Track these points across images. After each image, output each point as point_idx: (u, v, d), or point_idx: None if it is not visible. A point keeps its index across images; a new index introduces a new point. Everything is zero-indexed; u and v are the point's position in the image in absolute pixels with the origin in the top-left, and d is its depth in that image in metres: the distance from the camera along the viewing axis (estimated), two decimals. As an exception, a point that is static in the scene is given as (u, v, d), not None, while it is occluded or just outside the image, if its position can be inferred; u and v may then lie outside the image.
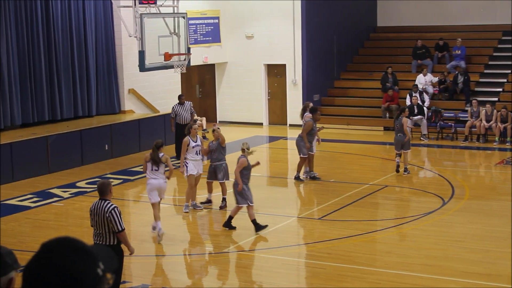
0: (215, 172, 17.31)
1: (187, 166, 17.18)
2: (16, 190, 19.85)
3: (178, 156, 23.28)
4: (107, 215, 10.90)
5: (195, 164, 17.25)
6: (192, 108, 23.64)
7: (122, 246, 11.37)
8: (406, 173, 20.75)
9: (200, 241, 15.56)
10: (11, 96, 22.93)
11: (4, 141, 21.25)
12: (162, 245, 15.03)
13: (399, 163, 20.85)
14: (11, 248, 3.41)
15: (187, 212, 17.37)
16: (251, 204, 15.56)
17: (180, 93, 27.97)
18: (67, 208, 18.40)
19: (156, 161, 15.29)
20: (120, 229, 11.04)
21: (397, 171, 20.84)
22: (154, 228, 15.47)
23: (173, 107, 23.65)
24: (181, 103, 23.47)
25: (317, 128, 20.35)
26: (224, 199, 17.61)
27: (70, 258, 2.81)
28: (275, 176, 21.47)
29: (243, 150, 15.86)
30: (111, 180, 21.02)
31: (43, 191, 19.93)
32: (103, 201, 11.02)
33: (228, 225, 15.77)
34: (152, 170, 15.38)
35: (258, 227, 15.57)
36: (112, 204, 10.99)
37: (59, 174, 21.94)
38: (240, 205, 15.61)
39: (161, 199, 15.67)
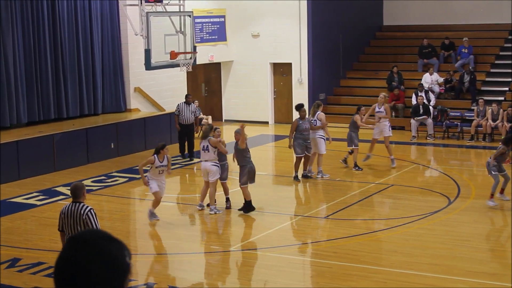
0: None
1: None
2: (22, 188, 19.87)
3: (183, 155, 23.36)
4: (84, 217, 10.70)
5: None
6: (197, 111, 23.69)
7: None
8: (355, 169, 21.33)
9: (206, 239, 15.54)
10: (17, 94, 22.95)
11: (10, 139, 21.28)
12: (168, 244, 15.04)
13: (346, 158, 21.71)
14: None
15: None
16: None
17: (186, 91, 28.01)
18: (73, 206, 18.37)
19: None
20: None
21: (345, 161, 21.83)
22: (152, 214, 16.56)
23: (178, 104, 23.70)
24: (187, 102, 23.45)
25: (305, 126, 20.00)
26: (228, 199, 17.56)
27: (107, 247, 2.88)
28: (281, 175, 21.44)
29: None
30: (117, 178, 21.10)
31: (49, 189, 19.95)
32: (77, 204, 10.85)
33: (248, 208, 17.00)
34: (158, 174, 16.25)
35: (249, 208, 16.99)
36: (87, 206, 10.87)
37: (65, 172, 21.96)
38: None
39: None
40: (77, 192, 10.99)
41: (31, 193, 19.44)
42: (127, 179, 21.26)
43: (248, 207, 16.98)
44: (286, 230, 16.16)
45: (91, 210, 10.78)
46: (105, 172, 22.06)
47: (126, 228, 17.03)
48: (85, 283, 2.82)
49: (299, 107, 20.51)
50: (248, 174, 16.99)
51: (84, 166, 22.80)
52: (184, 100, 23.61)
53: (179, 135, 23.63)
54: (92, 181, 20.88)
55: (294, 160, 20.53)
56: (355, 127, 21.35)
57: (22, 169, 21.04)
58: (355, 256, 13.97)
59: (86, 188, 19.74)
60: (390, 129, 21.99)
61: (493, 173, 17.41)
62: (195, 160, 22.74)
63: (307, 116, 20.37)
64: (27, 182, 20.65)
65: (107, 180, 21.08)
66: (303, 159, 20.32)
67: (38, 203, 18.58)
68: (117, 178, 21.30)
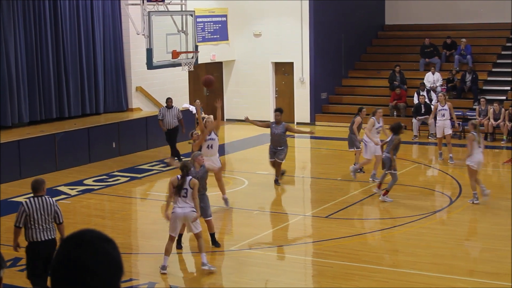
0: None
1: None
2: (23, 187, 19.83)
3: (178, 158, 22.75)
4: (55, 208, 11.34)
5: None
6: (179, 114, 22.98)
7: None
8: (359, 172, 20.64)
9: (208, 239, 15.52)
10: (19, 94, 22.95)
11: (12, 138, 21.30)
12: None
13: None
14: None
15: None
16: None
17: (188, 91, 28.02)
18: (75, 206, 18.42)
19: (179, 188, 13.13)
20: (62, 220, 11.49)
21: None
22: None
23: (160, 109, 23.52)
24: (168, 106, 22.97)
25: (276, 131, 19.27)
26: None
27: (104, 246, 2.91)
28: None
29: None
30: (119, 177, 21.10)
31: (50, 189, 19.88)
32: (43, 197, 11.33)
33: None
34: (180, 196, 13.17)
35: (178, 244, 14.54)
36: (52, 198, 11.51)
37: (67, 172, 21.98)
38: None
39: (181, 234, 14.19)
40: (38, 186, 11.43)
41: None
42: (128, 178, 21.27)
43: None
44: (287, 230, 16.16)
45: (55, 202, 11.51)
46: (106, 171, 22.07)
47: (128, 227, 17.03)
48: (83, 282, 2.83)
49: (275, 110, 19.96)
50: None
51: (85, 165, 22.81)
52: (165, 104, 23.23)
53: (166, 140, 23.07)
54: (94, 181, 20.89)
55: None
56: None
57: (24, 169, 21.04)
58: (356, 255, 13.97)
59: (88, 187, 19.89)
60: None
61: (393, 171, 17.84)
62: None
63: (283, 122, 19.57)
64: (29, 181, 20.46)
65: (108, 180, 21.09)
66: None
67: (40, 202, 18.55)
68: (118, 178, 21.31)
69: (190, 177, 13.17)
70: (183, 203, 13.03)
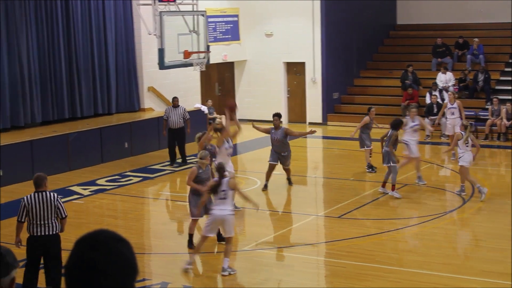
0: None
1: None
2: (36, 187, 19.91)
3: (172, 161, 22.60)
4: (56, 203, 11.46)
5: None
6: (186, 114, 22.71)
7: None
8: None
9: (220, 239, 15.52)
10: (31, 94, 23.02)
11: (24, 138, 21.38)
12: (182, 243, 15.05)
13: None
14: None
15: None
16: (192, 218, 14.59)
17: (199, 91, 28.05)
18: (87, 206, 18.47)
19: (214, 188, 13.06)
20: (66, 215, 11.60)
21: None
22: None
23: (165, 109, 23.37)
24: (174, 106, 22.76)
25: (275, 137, 18.86)
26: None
27: (118, 247, 2.91)
28: (295, 174, 21.37)
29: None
30: (131, 177, 21.14)
31: (63, 189, 20.00)
32: (43, 193, 11.47)
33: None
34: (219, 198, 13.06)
35: (190, 243, 14.61)
36: (54, 193, 11.64)
37: (79, 172, 22.03)
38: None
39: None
40: (40, 182, 11.55)
41: (46, 192, 19.45)
42: (141, 178, 21.30)
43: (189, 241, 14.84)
44: (300, 230, 16.15)
45: (59, 196, 11.65)
46: (119, 171, 22.11)
47: (140, 228, 17.07)
48: (97, 284, 2.83)
49: (274, 115, 19.26)
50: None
51: (98, 165, 22.85)
52: (172, 104, 23.11)
53: (168, 140, 22.79)
54: (106, 181, 20.94)
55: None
56: (365, 128, 21.14)
57: (37, 169, 20.98)
58: (369, 255, 13.96)
59: (101, 187, 19.93)
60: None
61: (392, 164, 18.13)
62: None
63: (282, 126, 19.21)
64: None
65: (121, 180, 21.13)
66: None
67: (53, 202, 18.60)
68: (131, 178, 21.35)
69: (228, 178, 13.16)
70: (222, 205, 12.94)
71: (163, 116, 23.11)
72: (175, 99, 23.07)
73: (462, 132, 18.00)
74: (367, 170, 21.08)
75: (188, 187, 14.82)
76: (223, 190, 12.90)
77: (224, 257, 13.15)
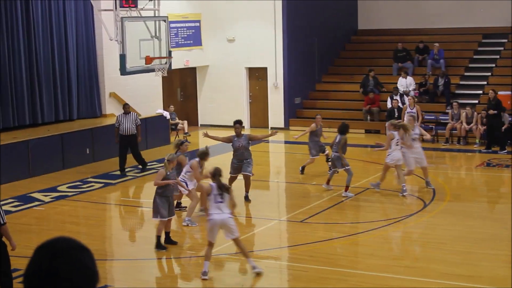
0: None
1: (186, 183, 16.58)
2: (-4, 194, 19.75)
3: (121, 170, 22.34)
4: None
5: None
6: (138, 120, 22.53)
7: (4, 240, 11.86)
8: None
9: (181, 245, 15.50)
10: (-8, 100, 22.81)
11: (-16, 145, 21.16)
12: (143, 249, 15.00)
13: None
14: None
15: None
16: (161, 219, 14.84)
17: (161, 96, 27.97)
18: (48, 212, 18.32)
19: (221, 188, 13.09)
20: (1, 222, 11.57)
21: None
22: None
23: (117, 116, 23.07)
24: (125, 112, 22.52)
25: (239, 144, 18.55)
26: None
27: (79, 256, 2.88)
28: (257, 179, 21.40)
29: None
30: (93, 184, 21.01)
31: (24, 195, 19.84)
32: None
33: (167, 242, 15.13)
34: (216, 202, 13.07)
35: (158, 245, 14.81)
36: None
37: (40, 178, 21.85)
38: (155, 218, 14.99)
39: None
40: None
41: (6, 199, 19.30)
42: (102, 184, 21.19)
43: (157, 243, 15.00)
44: (262, 234, 16.16)
45: None
46: (80, 177, 21.97)
47: (102, 234, 16.96)
48: None
49: (235, 123, 18.93)
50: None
51: (59, 171, 22.69)
52: (123, 111, 22.78)
53: (120, 148, 22.46)
54: (68, 187, 20.80)
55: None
56: (313, 135, 21.36)
57: (-3, 175, 20.89)
58: (331, 259, 14.01)
59: (62, 193, 19.79)
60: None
61: (346, 167, 18.94)
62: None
63: (244, 133, 19.02)
64: (2, 188, 20.45)
65: (82, 186, 21.01)
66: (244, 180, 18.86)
67: (13, 209, 18.47)
68: (92, 184, 21.23)
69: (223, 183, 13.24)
70: (219, 209, 12.98)
71: (114, 124, 22.81)
72: (126, 106, 22.86)
73: (394, 132, 18.81)
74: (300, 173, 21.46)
75: (153, 190, 14.97)
76: (220, 194, 12.95)
77: (247, 258, 13.20)
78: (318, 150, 21.27)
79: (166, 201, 14.83)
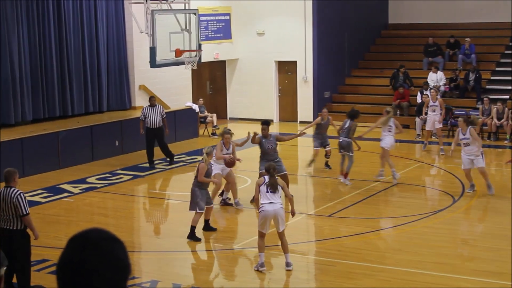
0: None
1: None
2: (26, 185, 19.84)
3: (150, 163, 22.35)
4: (14, 200, 11.52)
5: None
6: (163, 113, 22.40)
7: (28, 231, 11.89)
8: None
9: (209, 238, 15.52)
10: (22, 92, 22.95)
11: (15, 136, 21.31)
12: (172, 241, 15.05)
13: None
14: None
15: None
16: (199, 211, 15.05)
17: (191, 89, 28.05)
18: (77, 204, 18.44)
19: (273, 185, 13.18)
20: (24, 212, 11.60)
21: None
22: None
23: (142, 109, 22.94)
24: (151, 105, 22.38)
25: (269, 146, 17.91)
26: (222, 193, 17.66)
27: (111, 247, 2.89)
28: (327, 170, 21.39)
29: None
30: (122, 176, 21.10)
31: (53, 187, 19.97)
32: (9, 188, 11.64)
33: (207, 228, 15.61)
34: (267, 192, 13.16)
35: (192, 235, 15.03)
36: (18, 190, 11.68)
37: (70, 170, 21.97)
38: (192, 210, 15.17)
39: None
40: (9, 177, 11.76)
41: (36, 190, 19.46)
42: (131, 176, 21.27)
43: (191, 233, 15.26)
44: (291, 229, 16.12)
45: (21, 194, 11.65)
46: (109, 169, 22.07)
47: (130, 226, 17.04)
48: (90, 284, 2.81)
49: (262, 123, 18.29)
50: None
51: (88, 163, 22.80)
52: (149, 104, 22.66)
53: (147, 141, 22.36)
54: (97, 179, 20.90)
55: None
56: (318, 127, 21.43)
57: (27, 167, 21.03)
58: (359, 254, 13.96)
59: (91, 185, 19.90)
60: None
61: (350, 153, 19.38)
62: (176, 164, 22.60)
63: (272, 133, 18.56)
64: (32, 179, 20.65)
65: (111, 178, 21.10)
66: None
67: (43, 200, 18.60)
68: (121, 176, 21.31)
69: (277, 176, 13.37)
70: (272, 199, 13.08)
71: (139, 116, 22.71)
72: (152, 99, 22.75)
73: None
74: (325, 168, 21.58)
75: (181, 183, 15.05)
76: (272, 185, 13.11)
77: (285, 253, 13.19)
78: (320, 143, 21.23)
79: (206, 193, 15.18)
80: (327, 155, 21.50)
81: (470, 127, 18.33)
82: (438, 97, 24.98)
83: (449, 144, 22.04)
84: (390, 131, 19.75)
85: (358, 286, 12.49)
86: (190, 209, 15.13)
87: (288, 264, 13.16)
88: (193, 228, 15.00)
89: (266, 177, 13.19)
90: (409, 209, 17.36)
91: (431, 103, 24.39)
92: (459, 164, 21.19)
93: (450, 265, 13.32)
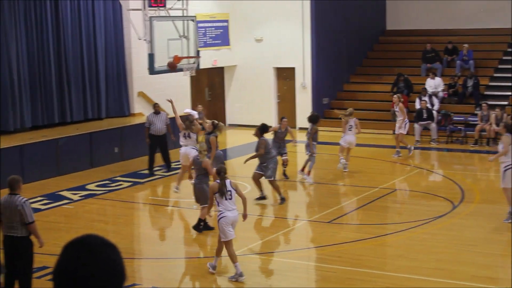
0: None
1: None
2: (26, 192, 19.65)
3: (150, 169, 22.35)
4: (19, 208, 11.51)
5: None
6: (167, 120, 22.41)
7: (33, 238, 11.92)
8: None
9: (210, 244, 15.53)
10: (21, 99, 22.97)
11: (14, 143, 21.31)
12: (172, 248, 15.05)
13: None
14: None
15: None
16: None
17: (189, 96, 28.04)
18: (77, 211, 18.44)
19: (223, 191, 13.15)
20: (30, 220, 11.62)
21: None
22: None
23: (147, 116, 22.93)
24: (156, 112, 22.44)
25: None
26: None
27: (106, 252, 2.90)
28: (285, 179, 21.42)
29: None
30: (121, 182, 21.11)
31: (53, 194, 19.98)
32: (14, 195, 11.62)
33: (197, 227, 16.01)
34: (225, 199, 13.19)
35: (197, 226, 15.87)
36: (23, 198, 11.66)
37: (69, 177, 21.98)
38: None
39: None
40: (14, 184, 11.72)
41: (36, 197, 19.45)
42: (131, 183, 21.28)
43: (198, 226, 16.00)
44: (291, 235, 16.16)
45: (26, 202, 11.62)
46: (109, 176, 22.08)
47: (130, 232, 17.03)
48: None
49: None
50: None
51: (88, 170, 22.82)
52: (153, 111, 22.69)
53: (150, 148, 22.36)
54: (96, 186, 20.91)
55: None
56: (274, 135, 21.15)
57: (26, 174, 20.97)
58: (359, 260, 13.97)
59: (91, 192, 19.90)
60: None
61: (314, 154, 20.52)
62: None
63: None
64: (31, 186, 20.64)
65: (111, 185, 21.11)
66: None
67: (43, 207, 18.61)
68: (121, 183, 21.32)
69: (229, 180, 13.37)
70: (230, 206, 13.13)
71: (144, 123, 22.65)
72: (156, 105, 22.76)
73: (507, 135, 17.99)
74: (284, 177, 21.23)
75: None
76: (229, 191, 13.13)
77: (234, 263, 13.16)
78: (277, 152, 20.56)
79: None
80: (284, 164, 21.15)
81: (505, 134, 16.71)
82: (399, 103, 24.56)
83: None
84: (350, 130, 21.82)
85: (358, 292, 12.49)
86: (201, 204, 15.75)
87: (237, 274, 13.07)
88: (200, 220, 15.68)
89: (219, 181, 13.20)
90: (408, 215, 17.38)
91: (395, 108, 24.67)
92: (458, 170, 21.32)
93: (449, 271, 13.33)
